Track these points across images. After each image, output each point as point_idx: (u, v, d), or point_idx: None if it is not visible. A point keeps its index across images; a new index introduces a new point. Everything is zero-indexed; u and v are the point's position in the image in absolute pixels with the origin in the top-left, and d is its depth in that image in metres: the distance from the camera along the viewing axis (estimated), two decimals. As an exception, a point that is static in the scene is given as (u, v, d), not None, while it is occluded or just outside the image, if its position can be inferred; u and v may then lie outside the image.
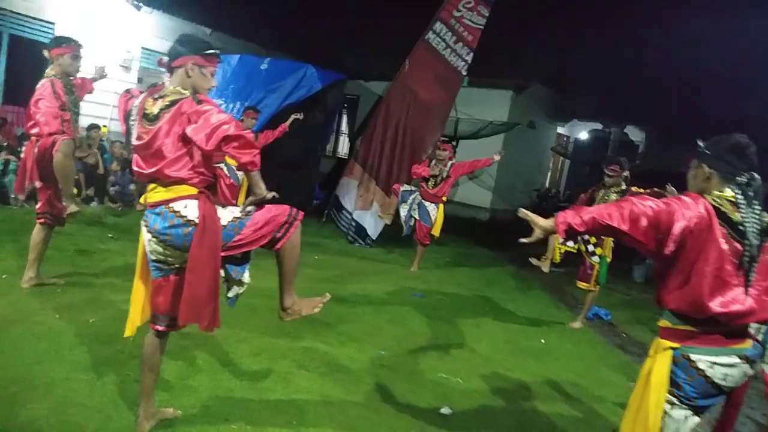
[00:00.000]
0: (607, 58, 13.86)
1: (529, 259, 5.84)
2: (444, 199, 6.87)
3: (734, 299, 1.85)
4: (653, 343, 2.06)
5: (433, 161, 6.81)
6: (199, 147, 2.22)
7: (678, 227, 1.82)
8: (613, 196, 5.04)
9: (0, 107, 7.94)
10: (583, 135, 17.56)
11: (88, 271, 4.69)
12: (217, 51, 2.52)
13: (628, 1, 14.47)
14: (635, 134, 17.23)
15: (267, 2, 10.96)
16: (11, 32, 8.01)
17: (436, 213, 6.79)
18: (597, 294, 5.45)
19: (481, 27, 7.45)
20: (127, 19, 8.63)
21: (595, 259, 5.28)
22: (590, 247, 5.28)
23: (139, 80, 9.20)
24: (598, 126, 16.97)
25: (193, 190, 2.33)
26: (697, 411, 1.97)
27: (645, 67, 14.05)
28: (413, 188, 7.01)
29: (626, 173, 5.09)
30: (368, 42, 13.32)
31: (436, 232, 6.85)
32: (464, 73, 7.58)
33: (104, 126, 8.34)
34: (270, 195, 2.41)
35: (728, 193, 1.93)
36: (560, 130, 17.26)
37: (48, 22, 8.13)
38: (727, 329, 1.90)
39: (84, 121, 7.84)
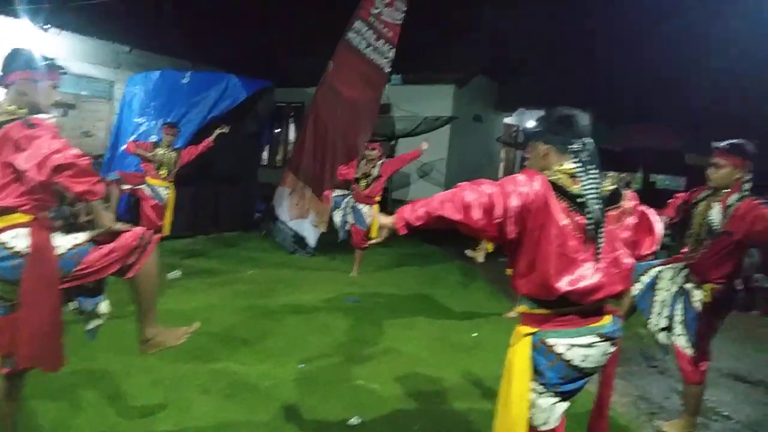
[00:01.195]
0: (543, 44, 13.98)
1: (465, 251, 5.78)
2: (377, 199, 6.75)
3: (582, 276, 1.76)
4: (514, 331, 1.95)
5: (363, 161, 6.69)
6: (32, 178, 2.03)
7: (514, 208, 1.71)
8: None
9: None
10: (531, 123, 17.68)
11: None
12: (52, 60, 2.34)
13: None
14: (583, 118, 17.43)
15: (192, 15, 10.67)
16: None
17: (371, 215, 6.66)
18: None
19: (400, 22, 7.36)
20: (36, 43, 8.26)
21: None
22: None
23: (56, 104, 8.85)
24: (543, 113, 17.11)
25: (25, 218, 2.13)
26: (564, 396, 1.87)
27: (581, 49, 14.18)
28: (346, 192, 6.87)
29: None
30: (307, 49, 13.15)
31: (374, 233, 6.72)
32: (387, 70, 7.48)
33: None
34: (120, 226, 2.22)
35: (567, 165, 1.85)
36: (508, 120, 17.37)
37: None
38: (582, 308, 1.81)
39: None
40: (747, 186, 2.79)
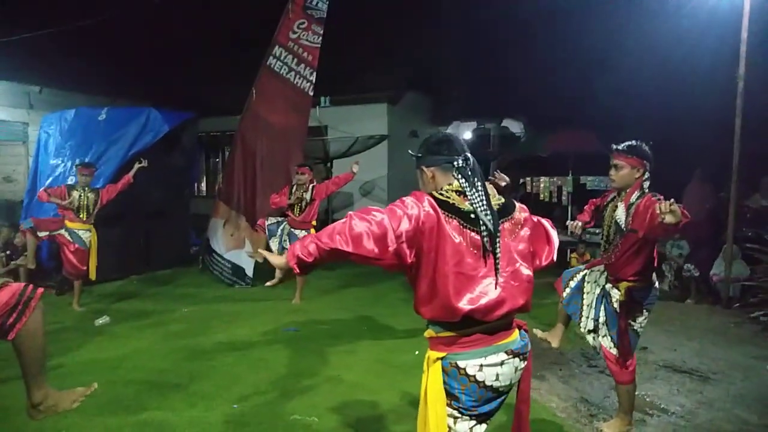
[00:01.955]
0: (471, 58, 14.33)
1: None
2: (313, 223, 6.63)
3: (482, 293, 1.71)
4: (425, 357, 1.88)
5: (294, 187, 6.56)
6: None
7: (406, 231, 1.64)
8: None
9: None
10: (468, 135, 18.05)
11: None
12: None
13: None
14: (516, 127, 17.97)
15: (107, 51, 10.28)
16: None
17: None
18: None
19: (318, 45, 7.33)
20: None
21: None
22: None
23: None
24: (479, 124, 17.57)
25: None
26: (481, 419, 1.80)
27: (509, 61, 14.61)
28: (280, 219, 6.72)
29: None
30: (238, 76, 12.97)
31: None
32: (311, 93, 7.42)
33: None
34: None
35: (455, 184, 1.81)
36: (445, 133, 17.65)
37: None
38: (488, 326, 1.75)
39: None
40: (647, 184, 2.86)
